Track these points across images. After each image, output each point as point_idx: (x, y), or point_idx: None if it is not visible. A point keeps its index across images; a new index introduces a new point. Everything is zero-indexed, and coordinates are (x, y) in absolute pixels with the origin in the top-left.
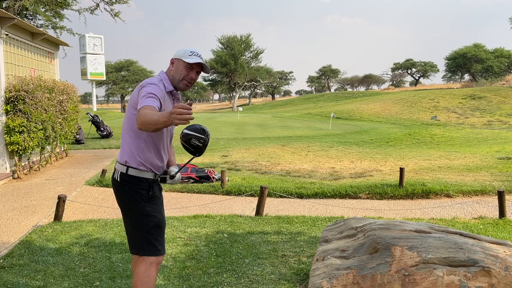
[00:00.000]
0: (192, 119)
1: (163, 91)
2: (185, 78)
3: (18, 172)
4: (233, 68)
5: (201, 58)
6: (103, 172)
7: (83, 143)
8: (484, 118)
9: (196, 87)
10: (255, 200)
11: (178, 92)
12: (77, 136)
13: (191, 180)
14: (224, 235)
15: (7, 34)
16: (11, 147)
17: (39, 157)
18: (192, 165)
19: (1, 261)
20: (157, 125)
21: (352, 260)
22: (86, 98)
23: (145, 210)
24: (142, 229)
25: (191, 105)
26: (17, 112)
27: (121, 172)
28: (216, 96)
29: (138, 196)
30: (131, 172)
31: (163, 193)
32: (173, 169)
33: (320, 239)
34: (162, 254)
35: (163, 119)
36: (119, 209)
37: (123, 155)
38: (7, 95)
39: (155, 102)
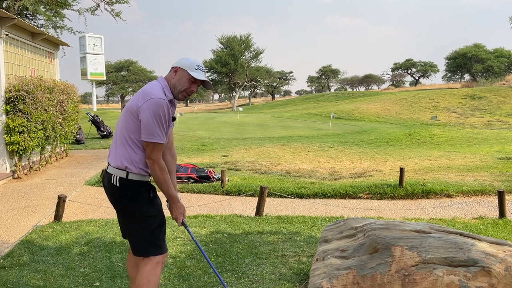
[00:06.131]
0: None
1: (167, 104)
2: (186, 90)
3: (18, 172)
4: (233, 68)
5: (205, 73)
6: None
7: (83, 143)
8: (484, 118)
9: None
10: (255, 200)
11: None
12: (77, 136)
13: (191, 180)
14: (224, 235)
15: (7, 34)
16: (11, 147)
17: (39, 157)
18: (192, 165)
19: (1, 261)
20: (161, 188)
21: (352, 260)
22: (86, 98)
23: (148, 212)
24: (147, 231)
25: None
26: (17, 112)
27: (120, 177)
28: (216, 96)
29: (141, 199)
30: (132, 177)
31: (160, 193)
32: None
33: (320, 239)
34: (166, 252)
35: (166, 195)
36: None
37: (122, 161)
38: (7, 95)
39: (164, 137)
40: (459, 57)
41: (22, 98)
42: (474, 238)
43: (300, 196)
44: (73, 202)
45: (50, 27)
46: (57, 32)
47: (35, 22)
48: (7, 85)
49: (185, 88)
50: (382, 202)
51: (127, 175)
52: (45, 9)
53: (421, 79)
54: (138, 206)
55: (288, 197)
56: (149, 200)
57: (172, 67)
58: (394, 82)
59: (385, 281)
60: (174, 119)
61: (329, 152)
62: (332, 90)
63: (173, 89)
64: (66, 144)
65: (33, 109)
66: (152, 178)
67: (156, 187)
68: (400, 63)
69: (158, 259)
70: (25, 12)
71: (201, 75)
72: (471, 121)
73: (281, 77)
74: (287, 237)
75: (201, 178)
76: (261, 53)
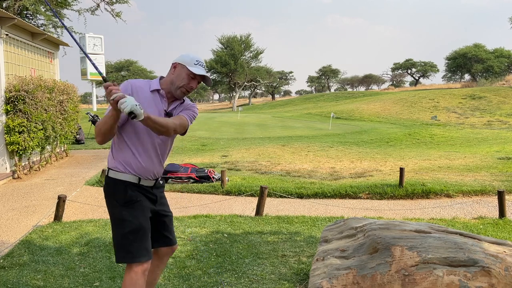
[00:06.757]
0: (119, 96)
1: (134, 84)
2: (184, 86)
3: (18, 172)
4: (233, 68)
5: (205, 68)
6: (103, 172)
7: (83, 143)
8: (484, 118)
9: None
10: (255, 200)
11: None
12: (77, 136)
13: (191, 180)
14: (224, 235)
15: (7, 34)
16: (11, 147)
17: (39, 157)
18: (192, 165)
19: (1, 261)
20: (107, 121)
21: (352, 260)
22: (86, 98)
23: (120, 214)
24: (117, 234)
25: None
26: (17, 112)
27: (105, 175)
28: (216, 96)
29: (113, 199)
30: (110, 174)
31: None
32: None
33: (320, 239)
34: (141, 261)
35: (108, 110)
36: None
37: (108, 158)
38: (7, 95)
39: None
40: (459, 57)
41: (22, 98)
42: (474, 238)
43: (300, 196)
44: (73, 202)
45: (50, 27)
46: (57, 32)
47: (35, 22)
48: (7, 85)
49: (183, 83)
50: (382, 202)
51: (107, 172)
52: (45, 9)
53: (421, 79)
54: (111, 207)
55: (288, 197)
56: (123, 202)
57: (172, 64)
58: (394, 82)
59: (385, 281)
60: (170, 115)
61: (329, 152)
62: (332, 90)
63: (171, 85)
64: (66, 144)
65: (33, 109)
66: (141, 181)
67: (160, 190)
68: (400, 63)
69: (136, 268)
70: (25, 12)
71: (200, 70)
72: (471, 121)
73: (281, 77)
74: (287, 237)
75: (201, 178)
76: (261, 53)
